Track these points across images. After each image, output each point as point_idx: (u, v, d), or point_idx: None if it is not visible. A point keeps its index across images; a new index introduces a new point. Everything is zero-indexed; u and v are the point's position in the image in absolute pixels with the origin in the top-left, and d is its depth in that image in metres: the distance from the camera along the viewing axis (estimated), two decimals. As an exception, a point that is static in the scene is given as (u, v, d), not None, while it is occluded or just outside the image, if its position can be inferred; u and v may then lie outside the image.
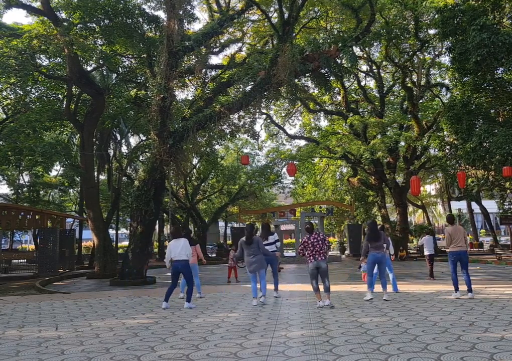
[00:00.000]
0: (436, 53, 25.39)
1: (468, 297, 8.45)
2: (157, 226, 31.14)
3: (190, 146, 15.78)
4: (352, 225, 33.03)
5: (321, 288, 7.98)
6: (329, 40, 16.26)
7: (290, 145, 42.69)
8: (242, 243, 8.60)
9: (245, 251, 8.56)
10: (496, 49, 14.98)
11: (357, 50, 23.42)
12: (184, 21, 15.66)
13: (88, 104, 20.14)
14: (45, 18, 16.79)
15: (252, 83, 15.67)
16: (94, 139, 21.49)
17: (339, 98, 28.45)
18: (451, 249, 8.78)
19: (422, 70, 25.39)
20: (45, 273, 18.09)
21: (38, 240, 23.07)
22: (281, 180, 33.94)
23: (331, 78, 17.64)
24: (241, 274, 15.00)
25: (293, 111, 30.39)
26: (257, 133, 21.31)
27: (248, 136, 21.14)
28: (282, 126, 30.59)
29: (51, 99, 21.36)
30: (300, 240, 26.60)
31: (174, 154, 14.51)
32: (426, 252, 13.58)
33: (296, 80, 16.63)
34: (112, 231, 29.15)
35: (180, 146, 14.83)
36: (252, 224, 9.48)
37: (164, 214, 31.54)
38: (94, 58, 18.89)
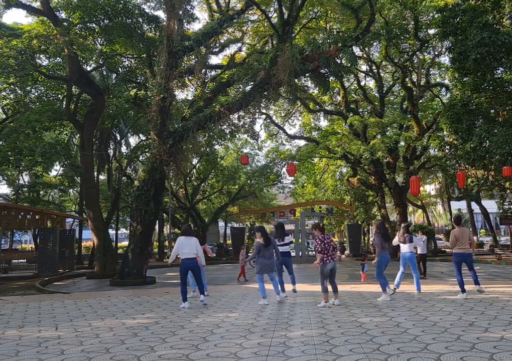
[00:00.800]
0: (436, 53, 25.40)
1: (476, 289, 8.65)
2: (157, 226, 31.12)
3: (190, 146, 15.78)
4: (351, 225, 33.02)
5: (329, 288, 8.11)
6: (328, 40, 16.26)
7: (290, 145, 42.76)
8: (260, 246, 8.66)
9: (261, 253, 8.66)
10: (496, 49, 15.00)
11: (356, 50, 23.43)
12: (184, 21, 15.67)
13: (88, 104, 20.14)
14: (45, 18, 16.78)
15: (252, 83, 15.67)
16: (94, 139, 21.49)
17: (339, 98, 28.45)
18: (455, 251, 8.81)
19: (422, 70, 25.39)
20: (45, 273, 18.09)
21: (38, 240, 23.06)
22: (281, 180, 33.94)
23: (331, 78, 17.63)
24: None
25: (293, 111, 30.40)
26: (257, 133, 21.34)
27: (248, 136, 21.15)
28: (282, 126, 30.59)
29: (51, 99, 21.35)
30: (300, 240, 26.70)
31: (174, 154, 14.51)
32: (418, 251, 13.44)
33: (296, 80, 16.62)
34: (112, 231, 29.16)
35: (180, 146, 14.83)
36: (263, 226, 9.57)
37: (164, 214, 31.54)
38: (94, 58, 18.88)
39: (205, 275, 9.98)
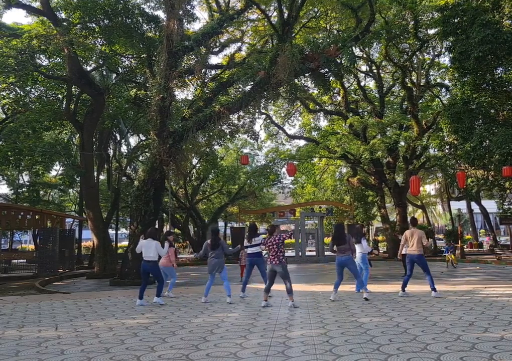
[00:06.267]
0: (436, 53, 25.42)
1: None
2: (157, 226, 31.08)
3: (190, 146, 15.78)
4: (351, 225, 32.96)
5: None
6: (328, 40, 16.26)
7: (290, 145, 42.71)
8: (207, 246, 9.18)
9: (209, 254, 9.15)
10: (499, 46, 15.05)
11: (356, 50, 23.42)
12: (184, 21, 15.69)
13: (88, 104, 20.13)
14: (45, 18, 16.79)
15: (252, 83, 15.66)
16: (94, 139, 21.49)
17: (339, 98, 28.45)
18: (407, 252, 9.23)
19: (422, 70, 25.39)
20: (45, 272, 18.06)
21: (38, 240, 23.04)
22: (281, 180, 33.93)
23: (331, 78, 17.63)
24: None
25: (293, 111, 30.39)
26: (257, 133, 21.31)
27: (247, 136, 21.13)
28: (281, 126, 30.59)
29: (51, 99, 21.35)
30: (300, 240, 26.68)
31: (174, 154, 14.50)
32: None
33: (296, 80, 16.61)
34: (112, 231, 29.12)
35: (180, 146, 14.82)
36: (215, 227, 10.31)
37: (164, 214, 31.53)
38: (94, 58, 18.89)
39: (175, 275, 10.58)
